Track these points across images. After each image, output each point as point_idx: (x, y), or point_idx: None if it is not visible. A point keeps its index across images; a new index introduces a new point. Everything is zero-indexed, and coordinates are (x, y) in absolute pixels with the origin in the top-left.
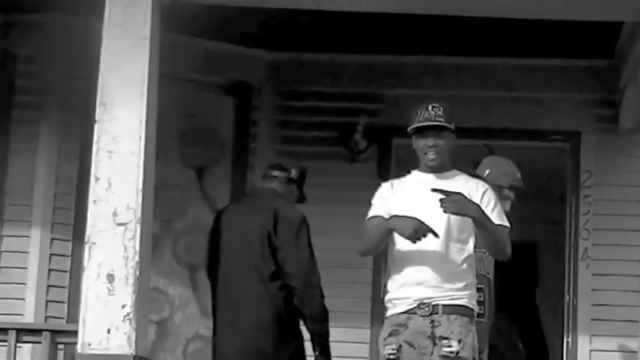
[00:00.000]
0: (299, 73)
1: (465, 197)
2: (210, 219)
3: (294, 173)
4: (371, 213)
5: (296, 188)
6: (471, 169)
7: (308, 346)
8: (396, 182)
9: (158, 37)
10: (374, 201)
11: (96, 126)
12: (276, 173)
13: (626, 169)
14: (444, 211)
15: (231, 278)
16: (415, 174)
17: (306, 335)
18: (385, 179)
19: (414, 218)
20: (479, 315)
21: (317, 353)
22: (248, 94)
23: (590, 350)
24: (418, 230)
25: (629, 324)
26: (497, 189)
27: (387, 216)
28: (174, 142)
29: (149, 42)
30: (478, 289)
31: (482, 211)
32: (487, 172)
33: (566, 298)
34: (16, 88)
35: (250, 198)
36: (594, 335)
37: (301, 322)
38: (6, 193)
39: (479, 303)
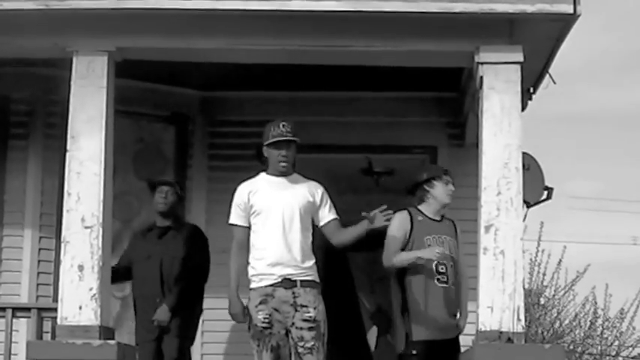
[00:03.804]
0: (222, 106)
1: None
2: None
3: None
4: (233, 220)
5: None
6: (359, 175)
7: None
8: (249, 185)
9: (113, 84)
10: (233, 209)
11: (67, 154)
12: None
13: (471, 173)
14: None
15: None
16: (265, 176)
17: None
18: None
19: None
20: (444, 281)
21: None
22: (185, 123)
23: None
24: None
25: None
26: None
27: (246, 224)
28: (130, 160)
29: (106, 90)
30: (443, 264)
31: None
32: None
33: None
34: (10, 123)
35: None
36: None
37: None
38: (5, 202)
39: (443, 274)
